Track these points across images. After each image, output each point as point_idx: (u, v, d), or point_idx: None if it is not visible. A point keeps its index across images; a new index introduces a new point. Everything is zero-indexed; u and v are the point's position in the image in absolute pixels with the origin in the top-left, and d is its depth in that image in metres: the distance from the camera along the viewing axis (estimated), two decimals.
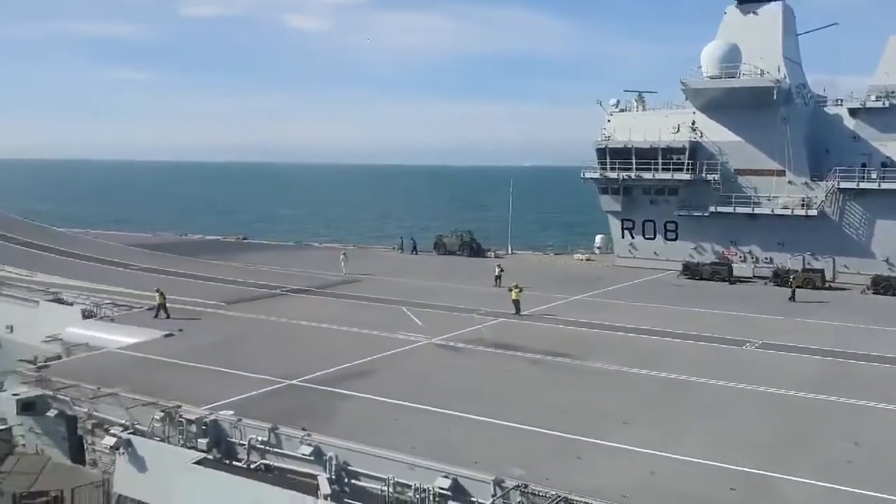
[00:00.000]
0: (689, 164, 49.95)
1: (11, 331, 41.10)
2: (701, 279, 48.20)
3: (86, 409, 23.78)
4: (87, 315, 36.61)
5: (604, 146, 52.57)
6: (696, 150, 50.39)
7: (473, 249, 60.07)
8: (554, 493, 16.31)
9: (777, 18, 49.81)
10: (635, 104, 54.41)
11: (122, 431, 21.29)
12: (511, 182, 66.45)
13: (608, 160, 52.37)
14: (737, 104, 48.20)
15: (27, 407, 24.66)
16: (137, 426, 21.77)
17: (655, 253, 53.07)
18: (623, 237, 54.23)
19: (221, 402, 22.66)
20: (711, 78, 48.63)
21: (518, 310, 36.03)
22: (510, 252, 61.95)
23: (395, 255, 61.97)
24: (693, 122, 50.81)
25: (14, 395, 24.86)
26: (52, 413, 24.61)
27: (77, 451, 24.98)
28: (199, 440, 20.95)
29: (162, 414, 21.71)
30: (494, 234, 76.28)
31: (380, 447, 18.88)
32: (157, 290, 36.07)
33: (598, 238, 61.46)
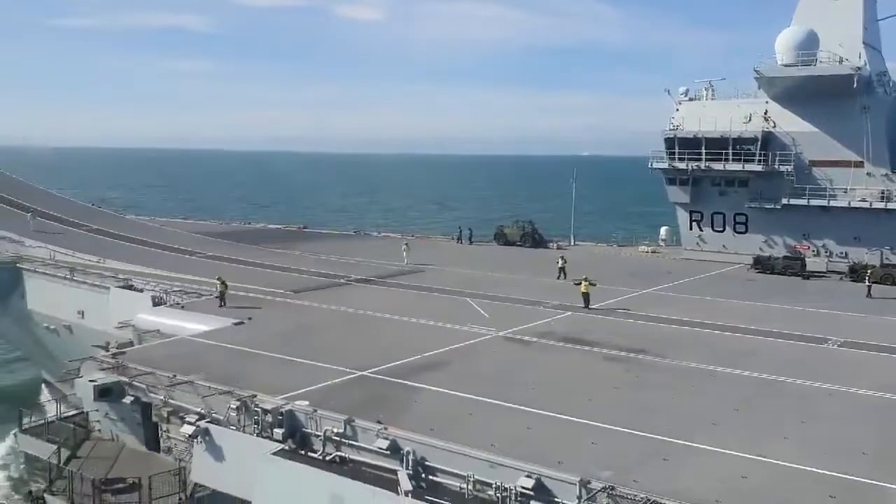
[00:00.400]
0: (761, 154, 48.37)
1: (83, 316, 41.96)
2: (773, 273, 46.73)
3: (161, 397, 23.93)
4: (156, 302, 37.04)
5: (672, 136, 51.17)
6: (769, 141, 48.70)
7: (535, 240, 59.26)
8: (643, 496, 15.71)
9: (857, 3, 47.81)
10: (705, 93, 52.89)
11: (200, 420, 21.29)
12: (574, 172, 65.27)
13: (676, 150, 51.02)
14: (814, 93, 46.39)
15: (104, 393, 24.94)
16: (214, 415, 21.77)
17: (724, 246, 51.64)
18: (691, 229, 52.85)
19: (295, 392, 22.57)
20: (787, 66, 46.94)
21: (587, 303, 35.28)
22: (573, 243, 61.00)
23: (454, 245, 61.51)
24: (766, 112, 49.12)
25: (91, 381, 25.18)
26: (127, 400, 24.85)
27: (152, 438, 25.18)
28: (274, 430, 20.85)
29: (238, 403, 21.68)
30: (555, 225, 75.28)
31: (457, 443, 18.48)
32: (219, 279, 36.24)
33: (663, 230, 60.18)
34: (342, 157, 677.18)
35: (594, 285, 35.83)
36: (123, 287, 39.55)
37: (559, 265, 43.89)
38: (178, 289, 38.31)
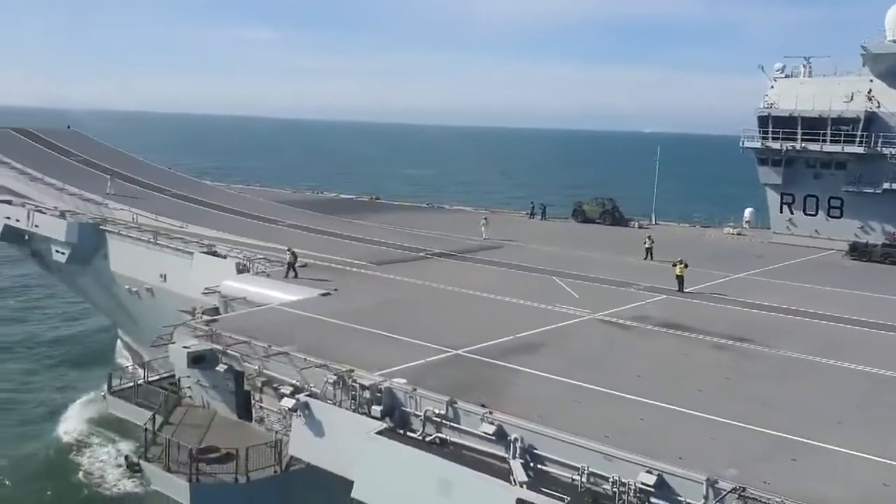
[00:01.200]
0: (862, 136, 45.89)
1: (165, 280, 42.22)
2: (870, 261, 44.49)
3: (256, 367, 23.64)
4: (240, 269, 36.94)
5: (766, 114, 48.93)
6: (871, 122, 46.10)
7: (615, 218, 57.72)
8: (778, 499, 14.65)
9: None
10: (802, 70, 50.38)
11: (300, 394, 20.88)
12: (658, 150, 63.04)
13: (770, 129, 48.80)
14: None
15: (197, 360, 24.78)
16: (312, 388, 21.35)
17: (816, 231, 49.40)
18: (781, 212, 50.66)
19: (391, 368, 22.00)
20: (892, 42, 44.26)
21: (681, 287, 33.96)
22: (654, 222, 59.24)
23: (530, 220, 60.33)
24: (869, 91, 46.54)
25: (185, 347, 25.04)
26: (221, 368, 24.64)
27: (243, 407, 24.99)
28: (372, 407, 20.32)
29: (335, 377, 21.20)
30: (631, 202, 73.20)
31: (568, 432, 17.63)
32: (289, 249, 35.24)
33: (748, 212, 57.97)
34: (402, 128, 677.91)
35: (687, 267, 34.45)
36: (207, 253, 39.59)
37: (646, 245, 42.47)
38: (262, 257, 38.09)
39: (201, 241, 41.52)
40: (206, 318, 28.96)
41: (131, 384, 29.77)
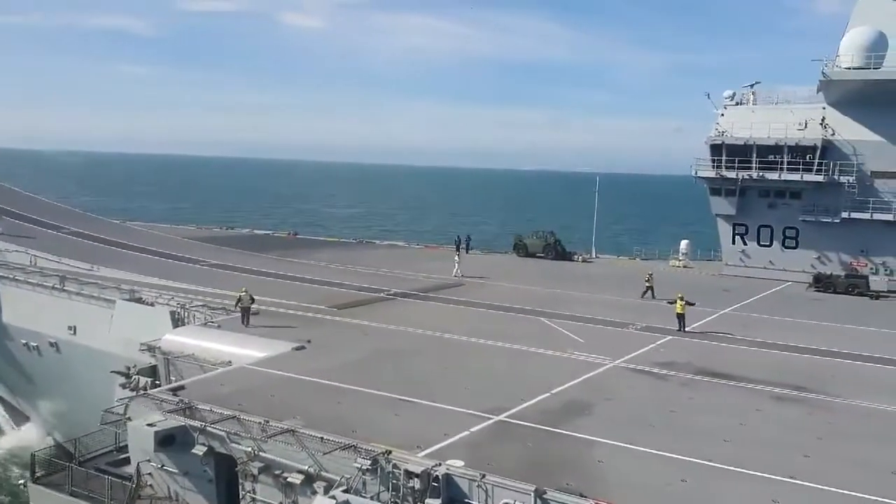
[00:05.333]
0: (820, 164, 45.00)
1: (74, 332, 36.11)
2: (835, 292, 43.21)
3: (249, 449, 18.62)
4: (176, 318, 31.51)
5: (719, 142, 47.46)
6: (827, 150, 45.31)
7: (558, 252, 54.93)
8: None
9: None
10: (751, 97, 49.42)
11: (337, 489, 16.15)
12: (597, 182, 60.97)
13: (724, 158, 47.32)
14: (880, 99, 43.19)
15: (166, 441, 19.53)
16: (345, 478, 16.60)
17: (771, 262, 48.09)
18: (734, 243, 49.18)
19: (433, 446, 17.60)
20: (853, 69, 43.59)
21: (682, 325, 31.04)
22: (595, 256, 56.94)
23: (478, 257, 56.25)
24: (823, 119, 45.86)
25: (149, 425, 19.72)
26: (198, 451, 19.43)
27: (227, 500, 19.82)
28: (427, 501, 15.85)
29: (369, 462, 16.58)
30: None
31: None
32: (244, 291, 30.18)
33: (684, 243, 56.38)
34: (287, 164, 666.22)
35: (692, 305, 31.63)
36: (131, 300, 33.77)
37: (647, 283, 39.24)
38: (201, 304, 32.62)
39: (119, 287, 35.58)
40: (153, 383, 23.70)
41: (63, 467, 23.81)
